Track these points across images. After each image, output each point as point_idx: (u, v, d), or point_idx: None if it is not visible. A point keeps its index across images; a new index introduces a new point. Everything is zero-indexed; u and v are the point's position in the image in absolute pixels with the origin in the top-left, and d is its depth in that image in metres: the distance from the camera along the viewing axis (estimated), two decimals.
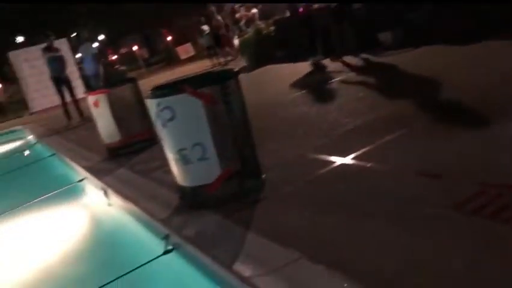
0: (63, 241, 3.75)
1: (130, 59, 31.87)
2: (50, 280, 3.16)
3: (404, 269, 1.68)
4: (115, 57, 33.05)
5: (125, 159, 4.67)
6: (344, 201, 2.40)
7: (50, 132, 8.88)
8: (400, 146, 3.00)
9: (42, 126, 10.75)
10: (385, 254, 1.81)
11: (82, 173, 4.89)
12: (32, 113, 16.56)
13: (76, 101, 9.59)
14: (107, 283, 2.65)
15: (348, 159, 2.94)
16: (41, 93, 15.70)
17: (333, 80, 6.15)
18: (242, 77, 3.02)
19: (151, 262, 2.66)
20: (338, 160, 2.98)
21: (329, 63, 7.31)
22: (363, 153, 2.98)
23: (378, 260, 1.77)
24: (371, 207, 2.24)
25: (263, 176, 2.98)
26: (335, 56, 7.37)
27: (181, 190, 2.95)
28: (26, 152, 8.62)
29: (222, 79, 2.74)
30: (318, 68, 7.38)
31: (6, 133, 12.34)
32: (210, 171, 2.70)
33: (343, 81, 5.88)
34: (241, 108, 2.84)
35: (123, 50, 35.31)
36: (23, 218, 4.46)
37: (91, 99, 5.00)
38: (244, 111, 2.87)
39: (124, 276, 2.67)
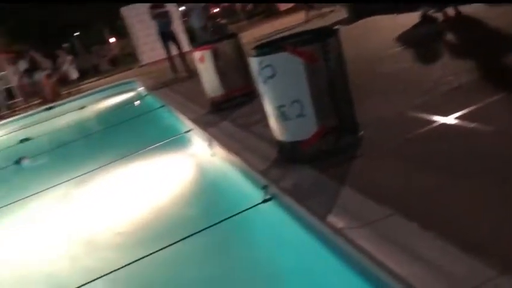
0: (171, 186, 4.13)
1: (230, 11, 32.26)
2: (160, 219, 3.54)
3: (499, 231, 1.67)
4: (216, 10, 33.62)
5: (228, 113, 4.91)
6: (443, 161, 2.37)
7: (159, 85, 9.47)
8: (506, 106, 2.83)
9: (151, 78, 11.45)
10: (481, 215, 1.80)
11: (188, 124, 5.24)
12: (141, 66, 17.69)
13: (182, 55, 10.04)
14: (210, 226, 2.92)
15: (451, 119, 2.85)
16: (149, 47, 16.66)
17: (441, 34, 5.79)
18: (342, 29, 3.01)
19: (250, 209, 2.87)
20: (439, 119, 2.90)
21: (440, 15, 6.83)
22: (467, 113, 2.86)
23: (474, 221, 1.77)
24: (471, 168, 2.20)
25: (360, 133, 3.01)
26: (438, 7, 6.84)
27: (279, 144, 3.09)
28: (138, 103, 9.36)
29: (323, 37, 2.77)
30: (427, 20, 6.93)
31: (120, 84, 13.37)
32: (308, 127, 2.80)
33: (446, 38, 5.51)
34: (341, 65, 2.86)
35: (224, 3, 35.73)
36: (137, 164, 4.94)
37: (197, 55, 5.27)
38: (344, 68, 2.89)
39: (226, 220, 2.92)
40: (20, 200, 4.77)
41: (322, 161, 2.79)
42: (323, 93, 2.75)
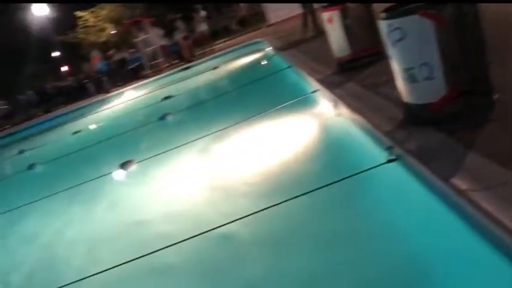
0: (297, 143, 4.36)
1: None
2: (287, 173, 3.81)
3: None
4: None
5: (354, 73, 4.93)
6: None
7: (286, 45, 9.68)
8: None
9: (278, 38, 11.65)
10: None
11: (314, 85, 5.36)
12: (268, 25, 18.02)
13: (313, 13, 10.05)
14: (333, 182, 3.09)
15: None
16: (276, 6, 16.87)
17: None
18: None
19: (374, 168, 2.96)
20: None
21: None
22: None
23: None
24: None
25: (495, 96, 2.88)
26: None
27: (406, 106, 3.10)
28: (267, 64, 9.68)
29: None
30: None
31: (250, 45, 13.85)
32: (436, 90, 2.77)
33: None
34: (476, 26, 2.73)
35: None
36: (266, 122, 5.23)
37: (325, 15, 5.31)
38: (479, 29, 2.74)
39: (349, 178, 3.07)
40: (165, 151, 5.43)
41: (450, 124, 2.76)
42: (455, 55, 2.68)
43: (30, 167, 7.64)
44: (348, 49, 5.19)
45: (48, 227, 4.68)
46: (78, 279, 3.23)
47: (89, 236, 4.13)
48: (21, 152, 10.04)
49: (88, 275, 3.24)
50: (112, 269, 3.20)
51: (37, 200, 5.42)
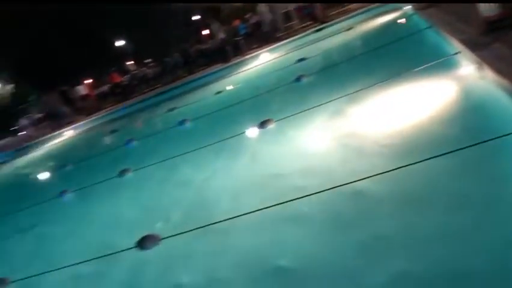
0: (434, 106, 4.30)
1: None
2: (421, 135, 3.85)
3: None
4: None
5: (502, 34, 4.58)
6: None
7: (425, 4, 9.13)
8: None
9: None
10: None
11: (457, 46, 5.13)
12: None
13: None
14: (471, 145, 3.08)
15: None
16: None
17: None
18: None
19: None
20: None
21: None
22: None
23: None
24: None
25: None
26: None
27: None
28: (405, 24, 9.29)
29: None
30: None
31: (387, 3, 13.26)
32: None
33: None
34: None
35: None
36: (402, 85, 5.19)
37: None
38: None
39: (489, 141, 3.03)
40: (301, 112, 5.71)
41: None
42: None
43: (181, 123, 8.59)
44: (497, 7, 4.83)
45: (198, 176, 5.34)
46: (225, 218, 3.74)
47: (232, 184, 4.66)
48: (172, 109, 11.23)
49: (233, 216, 3.72)
50: (252, 213, 3.64)
51: (188, 152, 6.15)
